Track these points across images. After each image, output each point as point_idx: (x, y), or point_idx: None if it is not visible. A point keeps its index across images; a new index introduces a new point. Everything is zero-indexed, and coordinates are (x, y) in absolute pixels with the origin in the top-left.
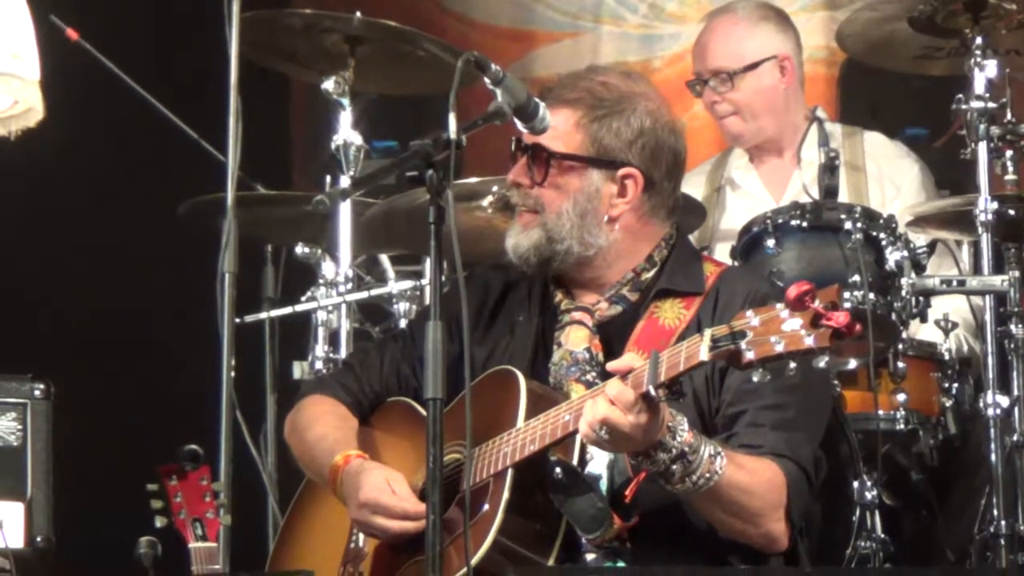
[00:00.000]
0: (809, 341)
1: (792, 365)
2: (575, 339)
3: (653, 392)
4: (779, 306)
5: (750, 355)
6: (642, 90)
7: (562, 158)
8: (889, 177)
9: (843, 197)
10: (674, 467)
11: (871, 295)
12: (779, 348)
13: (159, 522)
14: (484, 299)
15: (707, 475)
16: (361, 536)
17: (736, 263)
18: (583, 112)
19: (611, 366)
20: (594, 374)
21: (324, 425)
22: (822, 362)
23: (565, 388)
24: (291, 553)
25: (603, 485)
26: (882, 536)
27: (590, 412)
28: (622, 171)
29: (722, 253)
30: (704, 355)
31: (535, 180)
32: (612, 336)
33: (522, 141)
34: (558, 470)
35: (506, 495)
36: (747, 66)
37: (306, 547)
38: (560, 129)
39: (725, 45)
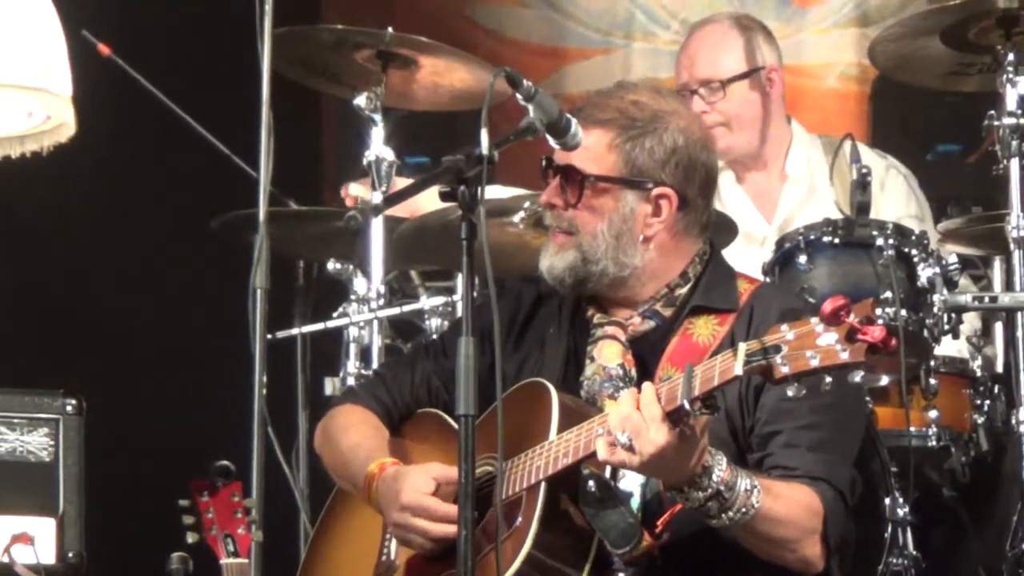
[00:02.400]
0: (844, 355)
1: (827, 380)
2: (608, 354)
3: (688, 406)
4: (814, 320)
5: (785, 369)
6: (673, 107)
7: (597, 180)
8: (885, 188)
9: (832, 206)
10: (710, 504)
11: (903, 311)
12: (814, 362)
13: (191, 538)
14: (515, 312)
15: (743, 510)
16: (392, 548)
17: (768, 279)
18: (616, 132)
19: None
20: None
21: (357, 434)
22: (857, 377)
23: (598, 403)
24: (321, 566)
25: (635, 502)
26: (914, 553)
27: (616, 415)
28: (656, 191)
29: None
30: (739, 369)
31: (569, 202)
32: (645, 352)
33: (554, 162)
34: (591, 483)
35: (540, 508)
36: (739, 75)
37: (336, 560)
38: (593, 150)
39: (715, 55)
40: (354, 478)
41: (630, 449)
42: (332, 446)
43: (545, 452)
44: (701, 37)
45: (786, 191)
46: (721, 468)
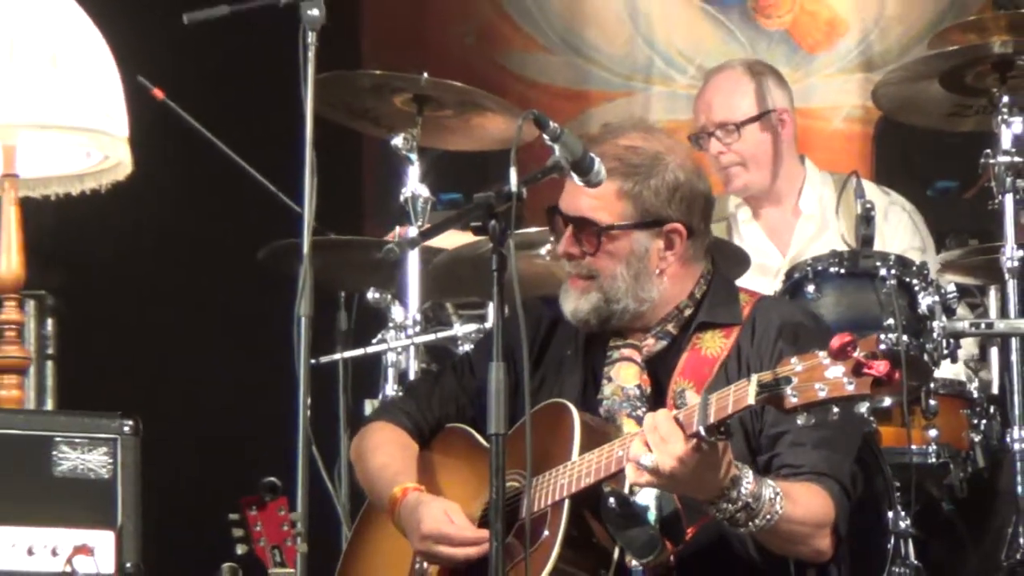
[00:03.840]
0: (851, 388)
1: (835, 410)
2: (626, 375)
3: (703, 432)
4: (822, 354)
5: (795, 400)
6: (666, 144)
7: (612, 229)
8: (889, 220)
9: (837, 237)
10: (739, 515)
11: (904, 337)
12: (822, 394)
13: (240, 549)
14: (535, 333)
15: (768, 516)
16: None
17: None
18: (621, 180)
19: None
20: (644, 409)
21: (385, 454)
22: (863, 407)
23: (617, 421)
24: (358, 571)
25: (651, 515)
26: (916, 563)
27: (639, 441)
28: (667, 227)
29: None
30: (751, 399)
31: (586, 251)
32: (659, 369)
33: (564, 214)
34: (612, 500)
35: (564, 524)
36: (751, 118)
37: (371, 567)
38: (603, 200)
39: (730, 99)
40: (380, 499)
41: (656, 472)
42: (363, 464)
43: (568, 471)
44: (716, 83)
45: (799, 226)
46: (748, 481)
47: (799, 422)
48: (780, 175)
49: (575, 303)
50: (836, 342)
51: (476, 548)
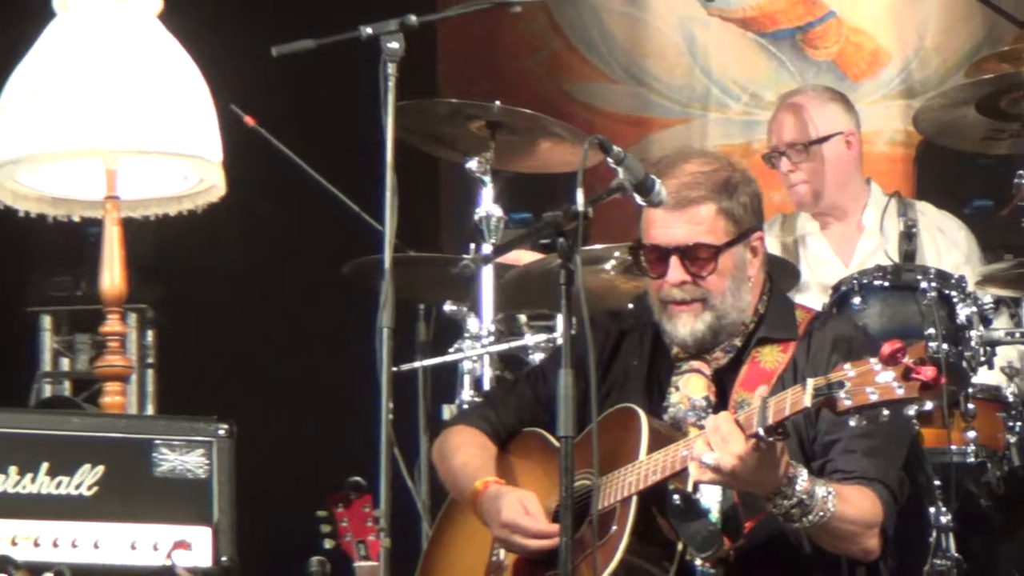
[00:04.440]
0: (900, 392)
1: (885, 412)
2: (695, 387)
3: (762, 432)
4: (873, 360)
5: (848, 403)
6: (726, 160)
7: (724, 248)
8: (948, 237)
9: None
10: (794, 511)
11: (944, 345)
12: (873, 398)
13: (328, 544)
14: (603, 344)
15: (821, 513)
16: (502, 550)
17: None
18: (714, 201)
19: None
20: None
21: (466, 453)
22: (911, 410)
23: (683, 428)
24: (439, 564)
25: (713, 515)
26: (956, 555)
27: (702, 442)
28: (753, 236)
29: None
30: (807, 402)
31: (700, 275)
32: (723, 380)
33: (668, 247)
34: (676, 497)
35: (631, 519)
36: (820, 139)
37: (452, 559)
38: (706, 224)
39: (800, 121)
40: (462, 492)
41: (718, 470)
42: (446, 463)
43: (636, 470)
44: (789, 106)
45: (861, 241)
46: (803, 479)
47: (851, 424)
48: (846, 193)
49: (690, 326)
50: (887, 348)
51: (548, 541)
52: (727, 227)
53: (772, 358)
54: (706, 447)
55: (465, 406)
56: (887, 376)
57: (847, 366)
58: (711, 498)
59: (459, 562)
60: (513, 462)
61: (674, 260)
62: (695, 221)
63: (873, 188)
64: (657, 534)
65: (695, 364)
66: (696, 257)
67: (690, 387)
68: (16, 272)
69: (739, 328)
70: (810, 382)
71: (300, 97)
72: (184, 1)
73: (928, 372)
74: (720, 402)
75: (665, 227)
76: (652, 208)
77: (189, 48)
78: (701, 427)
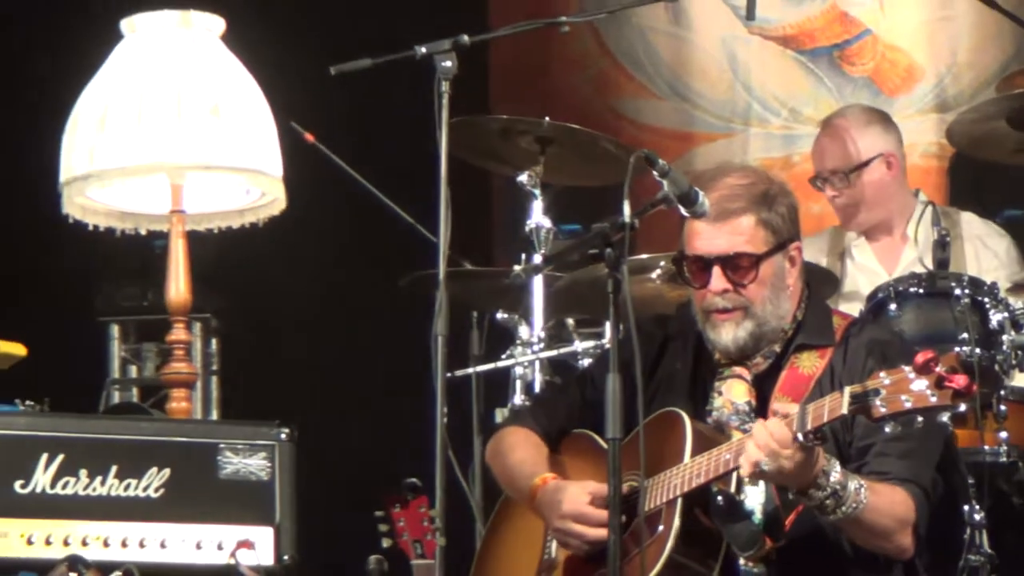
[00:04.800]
0: (933, 400)
1: (919, 419)
2: (737, 392)
3: (801, 437)
4: (907, 369)
5: (883, 410)
6: (764, 173)
7: (765, 257)
8: (989, 247)
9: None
10: (828, 502)
11: (977, 350)
12: (908, 405)
13: (385, 543)
14: (649, 348)
15: (854, 505)
16: (553, 548)
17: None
18: (754, 212)
19: (775, 408)
20: (750, 424)
21: (522, 452)
22: (944, 417)
23: (726, 431)
24: (492, 561)
25: (756, 516)
26: (989, 551)
27: (753, 449)
28: (792, 246)
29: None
30: (845, 409)
31: (740, 283)
32: (763, 386)
33: (709, 256)
34: (720, 498)
35: (677, 519)
36: (859, 164)
37: (505, 556)
38: (747, 234)
39: (839, 148)
40: (519, 489)
41: (767, 471)
42: (501, 461)
43: (681, 472)
44: (828, 133)
45: (906, 251)
46: (836, 471)
47: (887, 430)
48: (889, 209)
49: (732, 333)
50: (920, 358)
51: (607, 530)
52: (766, 237)
53: (810, 364)
54: (756, 450)
55: (517, 408)
56: (921, 384)
57: (882, 374)
58: (754, 499)
59: (512, 559)
60: (564, 462)
61: (716, 270)
62: (736, 232)
63: (921, 198)
64: (701, 534)
65: (737, 370)
66: (737, 266)
67: (733, 392)
68: (86, 284)
69: (778, 335)
70: (847, 390)
71: (357, 114)
72: (246, 22)
73: (960, 380)
74: (760, 406)
75: (707, 238)
76: (694, 220)
77: (251, 67)
78: (744, 431)
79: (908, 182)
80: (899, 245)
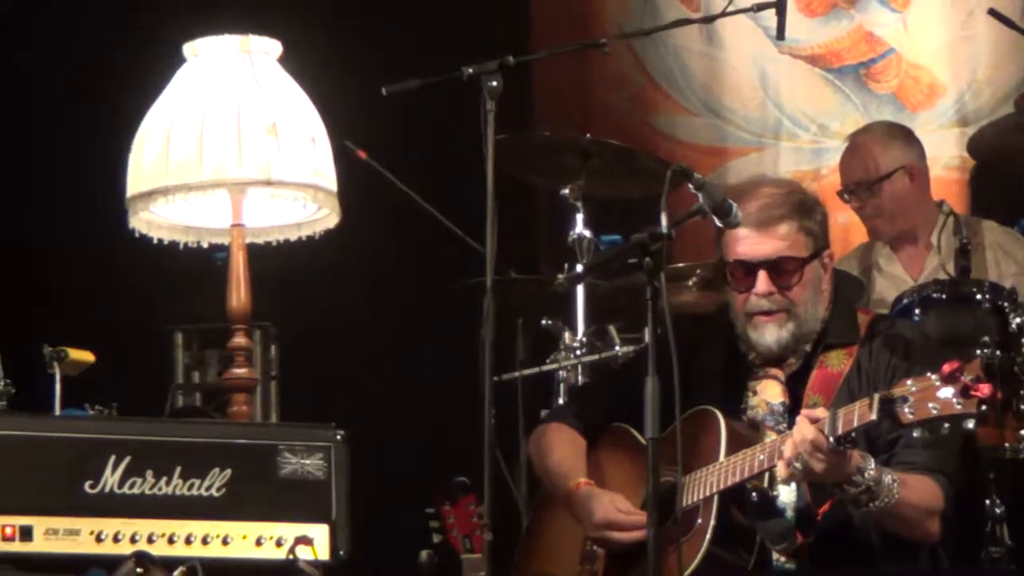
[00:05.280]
0: (959, 407)
1: (945, 425)
2: (772, 392)
3: (832, 440)
4: (933, 377)
5: (911, 416)
6: (796, 183)
7: (808, 261)
8: (1009, 254)
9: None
10: (862, 496)
11: (998, 352)
12: (935, 412)
13: (436, 538)
14: (682, 346)
15: (887, 499)
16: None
17: None
18: (796, 219)
19: (805, 413)
20: (784, 424)
21: (560, 452)
22: (969, 424)
23: (760, 430)
24: (536, 551)
25: (789, 513)
26: (1009, 543)
27: (789, 448)
28: (826, 253)
29: None
30: (874, 415)
31: (783, 286)
32: (796, 385)
33: (755, 261)
34: (754, 495)
35: (714, 515)
36: (881, 176)
37: (548, 547)
38: (790, 239)
39: (864, 161)
40: (556, 488)
41: (803, 471)
42: (540, 459)
43: (717, 470)
44: (854, 147)
45: (930, 259)
46: (871, 468)
47: (914, 435)
48: (914, 219)
49: (776, 335)
50: (947, 368)
51: (641, 532)
52: (807, 243)
53: (838, 361)
54: (792, 452)
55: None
56: (947, 392)
57: (910, 382)
58: (787, 497)
59: (555, 550)
60: (602, 455)
61: (762, 274)
62: (780, 237)
63: (944, 209)
64: (736, 529)
65: (772, 371)
66: (783, 270)
67: (768, 392)
68: (151, 294)
69: (811, 336)
70: (876, 396)
71: (408, 131)
72: (301, 46)
73: (985, 390)
74: (793, 405)
75: (752, 244)
76: (736, 228)
77: (306, 88)
78: (778, 430)
79: (932, 193)
80: (923, 253)
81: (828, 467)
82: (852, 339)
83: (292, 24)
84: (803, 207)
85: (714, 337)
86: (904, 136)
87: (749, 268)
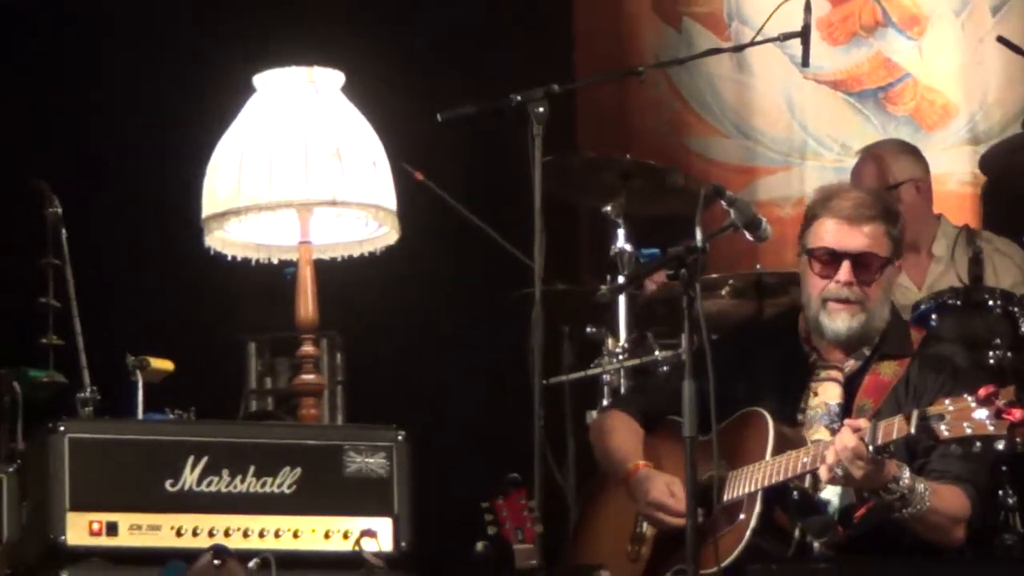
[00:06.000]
0: (991, 428)
1: (977, 444)
2: (831, 393)
3: (872, 450)
4: (970, 399)
5: (947, 433)
6: (887, 194)
7: (888, 263)
8: (1005, 258)
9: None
10: (896, 503)
11: (1008, 353)
12: (968, 431)
13: (491, 530)
14: (746, 347)
15: (919, 506)
16: (645, 523)
17: None
18: (883, 223)
19: (848, 423)
20: (838, 424)
21: (620, 437)
22: (1000, 444)
23: (813, 428)
24: (590, 531)
25: (832, 507)
26: (1021, 531)
27: (832, 455)
28: (898, 261)
29: None
30: (913, 429)
31: (864, 280)
32: (850, 387)
33: (842, 252)
34: (795, 493)
35: (758, 509)
36: (894, 184)
37: (601, 527)
38: (876, 239)
39: (880, 170)
40: (615, 471)
41: (844, 477)
42: (602, 442)
43: (762, 468)
44: (865, 160)
45: (931, 267)
46: (906, 477)
47: (950, 448)
48: (918, 229)
49: (847, 323)
50: (983, 392)
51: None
52: (889, 246)
53: (890, 371)
54: (834, 458)
55: (621, 394)
56: (982, 414)
57: (947, 401)
58: (832, 492)
59: (607, 530)
60: (657, 444)
61: (846, 264)
62: (867, 234)
63: (943, 222)
64: (777, 523)
65: (832, 373)
66: (866, 264)
67: (827, 393)
68: (226, 307)
69: (873, 339)
70: (915, 413)
71: (461, 153)
72: (361, 76)
73: (1017, 414)
74: (847, 404)
75: (841, 236)
76: (828, 219)
77: (367, 114)
78: (832, 429)
79: (941, 206)
80: (925, 262)
81: (866, 474)
82: (905, 352)
83: (353, 54)
84: (890, 213)
85: (774, 342)
86: (914, 152)
87: (835, 257)
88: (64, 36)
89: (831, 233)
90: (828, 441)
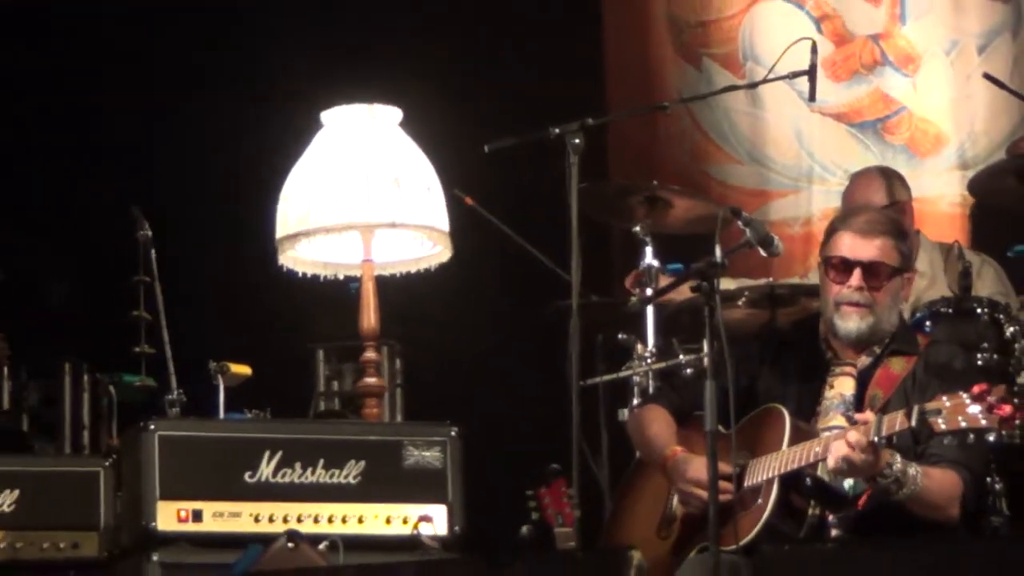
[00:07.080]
0: (984, 422)
1: (971, 436)
2: (846, 385)
3: (876, 440)
4: (964, 396)
5: (943, 427)
6: (899, 215)
7: (896, 271)
8: (977, 270)
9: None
10: (891, 485)
11: (995, 356)
12: (963, 424)
13: (534, 515)
14: (771, 348)
15: (912, 487)
16: (674, 504)
17: None
18: (892, 237)
19: (856, 417)
20: (852, 411)
21: (657, 427)
22: (991, 436)
23: (830, 416)
24: (625, 511)
25: (848, 487)
26: (1007, 513)
27: (837, 450)
28: (908, 274)
29: None
30: (913, 423)
31: (872, 286)
32: (863, 379)
33: (855, 260)
34: (808, 479)
35: (774, 493)
36: (891, 204)
37: (635, 508)
38: (886, 251)
39: (877, 188)
40: (654, 457)
41: (845, 466)
42: (640, 432)
43: (779, 458)
44: (857, 183)
45: (916, 280)
46: (898, 463)
47: (944, 442)
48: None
49: (857, 324)
50: (976, 389)
51: (722, 495)
52: (898, 259)
53: (899, 366)
54: (844, 447)
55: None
56: (975, 409)
57: (944, 398)
58: (846, 480)
59: (640, 511)
60: (690, 436)
61: (857, 271)
62: (877, 247)
63: (922, 238)
64: (792, 505)
65: (847, 368)
66: (875, 272)
67: (843, 385)
68: (297, 318)
69: (883, 339)
70: (916, 408)
71: (505, 181)
72: (417, 112)
73: (1007, 409)
74: (860, 394)
75: (855, 246)
76: (844, 231)
77: (421, 146)
78: (847, 416)
79: (934, 226)
80: (912, 276)
81: (865, 463)
82: (913, 351)
83: (410, 92)
84: (898, 231)
85: (797, 344)
86: (900, 177)
87: (848, 265)
88: (154, 84)
89: (846, 244)
90: (836, 434)
